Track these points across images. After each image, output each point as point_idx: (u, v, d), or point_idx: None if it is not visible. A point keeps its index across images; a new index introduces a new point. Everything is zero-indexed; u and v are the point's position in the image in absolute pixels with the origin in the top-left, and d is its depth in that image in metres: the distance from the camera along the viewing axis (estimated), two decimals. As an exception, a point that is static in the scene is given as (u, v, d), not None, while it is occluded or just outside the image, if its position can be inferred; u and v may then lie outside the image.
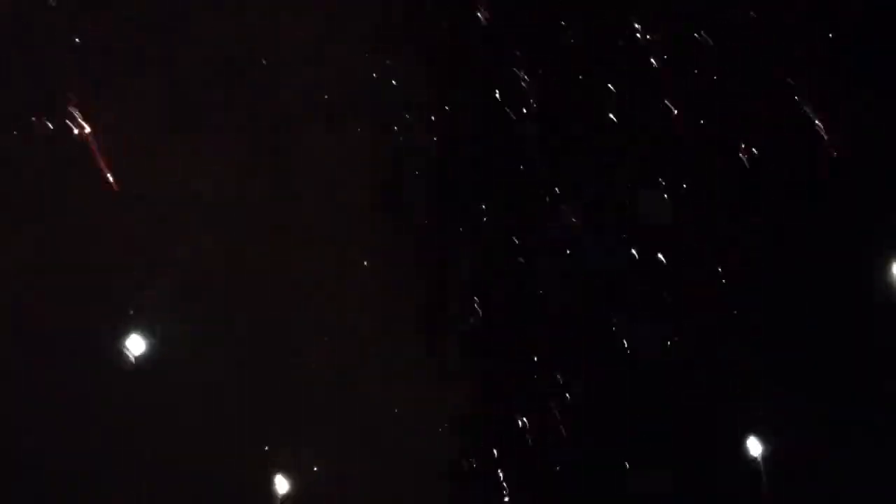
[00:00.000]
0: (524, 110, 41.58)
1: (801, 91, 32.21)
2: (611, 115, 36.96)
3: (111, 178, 29.94)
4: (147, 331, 28.11)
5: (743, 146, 37.37)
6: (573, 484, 36.29)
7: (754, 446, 30.51)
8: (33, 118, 29.55)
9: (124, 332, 28.34)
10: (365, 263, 38.05)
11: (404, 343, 36.56)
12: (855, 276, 29.40)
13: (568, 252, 40.09)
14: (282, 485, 31.32)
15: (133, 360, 27.55)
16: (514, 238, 40.71)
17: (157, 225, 31.49)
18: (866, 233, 29.49)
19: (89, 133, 28.59)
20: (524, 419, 39.44)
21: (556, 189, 42.24)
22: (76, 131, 30.27)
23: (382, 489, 34.41)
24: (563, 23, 38.76)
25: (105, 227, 29.25)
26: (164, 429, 31.32)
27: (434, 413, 35.38)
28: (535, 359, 40.23)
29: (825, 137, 31.95)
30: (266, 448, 32.57)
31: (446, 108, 41.14)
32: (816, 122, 31.83)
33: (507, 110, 40.99)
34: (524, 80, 41.73)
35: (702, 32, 32.22)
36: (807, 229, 32.60)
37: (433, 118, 41.39)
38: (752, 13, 31.04)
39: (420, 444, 35.77)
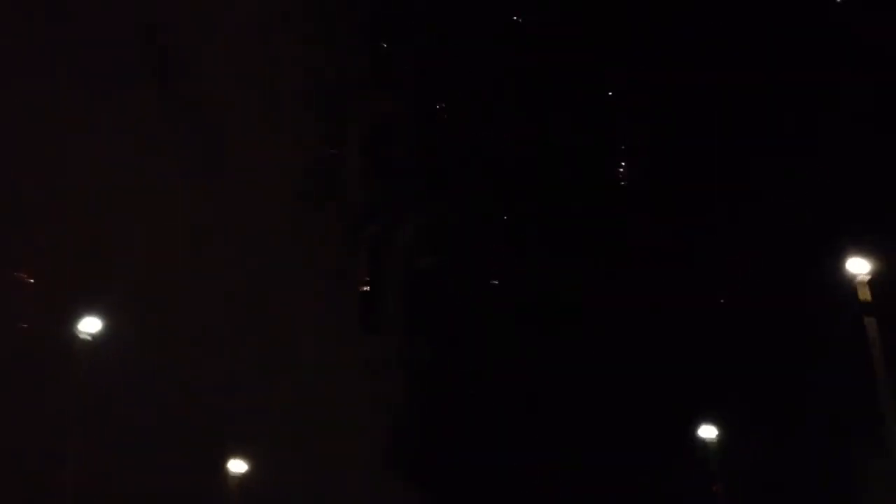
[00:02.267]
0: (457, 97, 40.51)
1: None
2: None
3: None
4: (98, 323, 28.16)
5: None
6: (506, 476, 36.10)
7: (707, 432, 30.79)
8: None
9: (77, 320, 28.31)
10: (298, 259, 37.11)
11: (337, 336, 36.07)
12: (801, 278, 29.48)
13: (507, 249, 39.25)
14: (238, 467, 31.45)
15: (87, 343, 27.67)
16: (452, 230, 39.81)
17: (99, 223, 31.12)
18: (811, 236, 29.60)
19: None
20: (459, 409, 38.89)
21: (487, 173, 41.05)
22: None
23: (321, 475, 34.15)
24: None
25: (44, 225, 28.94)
26: (108, 420, 31.08)
27: (368, 404, 35.00)
28: (474, 351, 39.47)
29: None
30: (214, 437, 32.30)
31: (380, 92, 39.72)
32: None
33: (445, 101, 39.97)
34: (456, 65, 40.74)
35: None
36: (753, 234, 32.67)
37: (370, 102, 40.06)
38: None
39: (355, 434, 35.51)
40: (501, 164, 41.24)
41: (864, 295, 24.75)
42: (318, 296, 41.09)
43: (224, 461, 31.46)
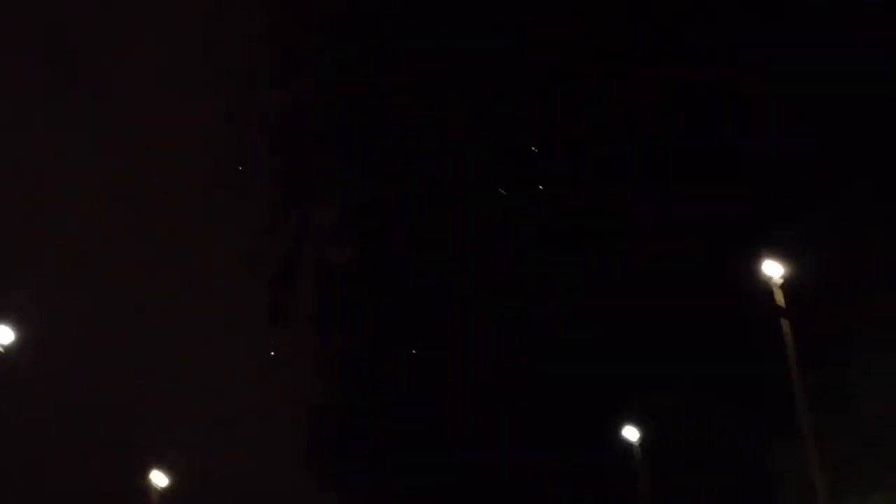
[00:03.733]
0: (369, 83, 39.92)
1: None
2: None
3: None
4: (14, 322, 27.47)
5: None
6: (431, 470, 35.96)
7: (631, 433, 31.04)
8: None
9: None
10: (212, 249, 36.57)
11: (255, 332, 35.63)
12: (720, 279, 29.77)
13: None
14: (159, 479, 30.88)
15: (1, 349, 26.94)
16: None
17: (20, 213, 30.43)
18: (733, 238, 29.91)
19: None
20: (379, 402, 38.57)
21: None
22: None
23: (244, 477, 33.79)
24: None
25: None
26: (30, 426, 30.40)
27: (289, 401, 34.65)
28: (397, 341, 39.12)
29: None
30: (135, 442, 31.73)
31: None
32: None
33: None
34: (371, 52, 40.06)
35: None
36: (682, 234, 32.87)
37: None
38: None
39: (277, 433, 35.16)
40: (418, 155, 40.78)
41: (779, 297, 25.21)
42: (229, 287, 40.46)
43: (140, 467, 30.97)
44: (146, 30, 39.03)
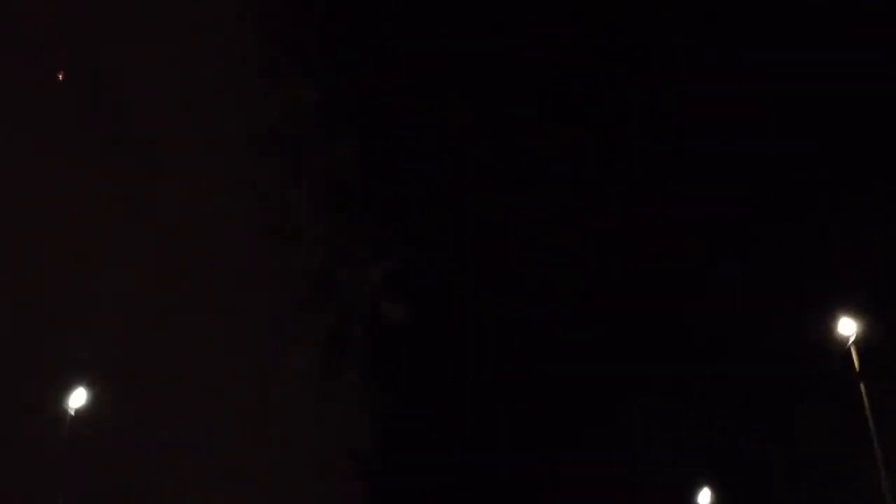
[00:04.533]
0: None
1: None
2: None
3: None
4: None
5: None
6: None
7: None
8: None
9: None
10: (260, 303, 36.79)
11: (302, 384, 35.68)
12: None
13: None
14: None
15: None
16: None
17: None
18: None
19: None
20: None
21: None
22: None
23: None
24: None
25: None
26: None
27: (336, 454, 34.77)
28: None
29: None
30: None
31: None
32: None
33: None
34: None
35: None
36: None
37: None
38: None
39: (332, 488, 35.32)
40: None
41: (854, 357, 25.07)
42: (282, 341, 40.61)
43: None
44: (195, 91, 39.51)
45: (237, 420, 37.80)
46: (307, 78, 42.53)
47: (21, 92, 33.94)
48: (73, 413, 27.15)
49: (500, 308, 40.10)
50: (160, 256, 37.97)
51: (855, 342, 24.58)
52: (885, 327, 24.82)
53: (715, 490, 30.27)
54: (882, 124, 31.18)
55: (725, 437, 31.89)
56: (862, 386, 23.77)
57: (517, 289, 40.11)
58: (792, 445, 29.98)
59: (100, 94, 37.25)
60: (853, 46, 32.09)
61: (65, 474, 26.48)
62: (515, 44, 39.37)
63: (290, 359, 41.78)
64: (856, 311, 24.86)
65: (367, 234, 42.78)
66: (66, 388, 27.44)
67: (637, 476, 33.73)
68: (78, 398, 27.44)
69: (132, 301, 35.47)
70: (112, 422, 30.99)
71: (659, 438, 33.75)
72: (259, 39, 40.46)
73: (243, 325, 39.23)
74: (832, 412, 26.67)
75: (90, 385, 27.81)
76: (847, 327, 25.00)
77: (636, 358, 35.13)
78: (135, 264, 36.42)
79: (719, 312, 32.63)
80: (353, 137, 43.73)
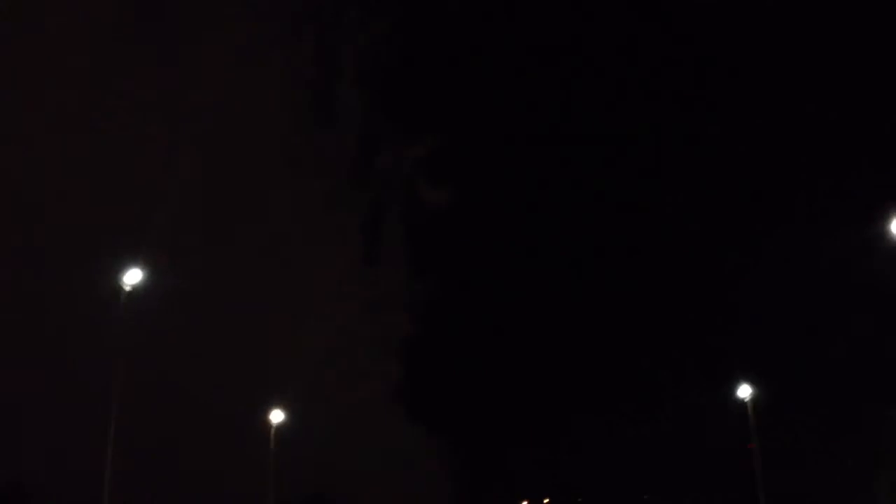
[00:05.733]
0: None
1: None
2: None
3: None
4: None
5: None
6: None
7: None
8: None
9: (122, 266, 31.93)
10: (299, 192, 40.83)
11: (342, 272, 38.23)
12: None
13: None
14: (276, 416, 35.87)
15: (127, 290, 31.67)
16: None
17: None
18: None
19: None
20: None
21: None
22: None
23: (344, 410, 37.56)
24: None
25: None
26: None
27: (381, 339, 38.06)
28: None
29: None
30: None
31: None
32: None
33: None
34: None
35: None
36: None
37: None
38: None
39: (371, 370, 38.42)
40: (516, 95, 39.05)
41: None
42: (323, 231, 42.42)
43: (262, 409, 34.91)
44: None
45: (284, 308, 40.23)
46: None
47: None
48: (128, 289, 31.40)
49: (540, 196, 40.14)
50: (209, 140, 39.53)
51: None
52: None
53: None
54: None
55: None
56: None
57: (558, 175, 39.69)
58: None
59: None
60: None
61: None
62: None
63: (333, 245, 43.16)
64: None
65: (406, 119, 43.26)
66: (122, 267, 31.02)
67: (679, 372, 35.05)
68: (133, 276, 31.63)
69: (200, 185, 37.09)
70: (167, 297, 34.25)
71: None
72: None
73: (288, 215, 40.96)
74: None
75: (144, 263, 31.74)
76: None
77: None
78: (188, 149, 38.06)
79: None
80: (389, 20, 43.33)
